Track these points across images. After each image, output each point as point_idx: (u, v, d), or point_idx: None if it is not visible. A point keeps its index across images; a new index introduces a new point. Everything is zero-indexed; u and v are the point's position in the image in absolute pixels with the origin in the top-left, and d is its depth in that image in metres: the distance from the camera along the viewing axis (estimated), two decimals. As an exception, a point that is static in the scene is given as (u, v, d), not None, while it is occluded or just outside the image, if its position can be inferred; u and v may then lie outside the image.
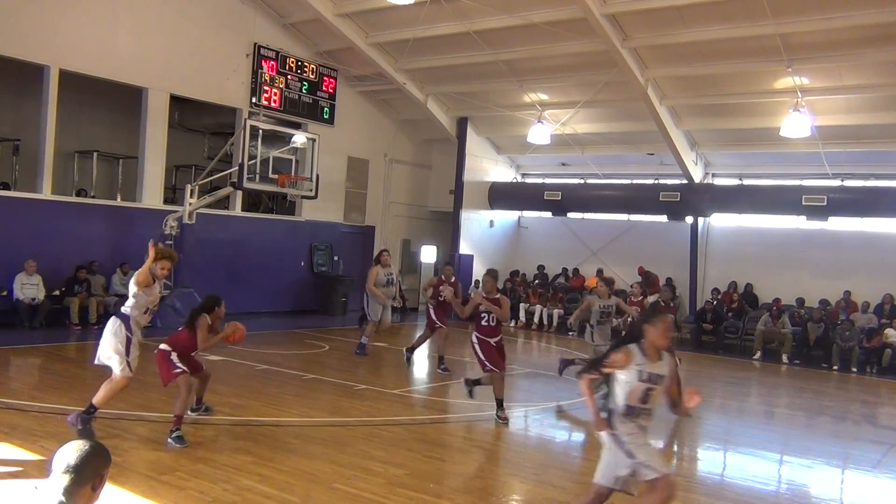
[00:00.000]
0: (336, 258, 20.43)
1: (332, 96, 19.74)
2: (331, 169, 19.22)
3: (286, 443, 7.30)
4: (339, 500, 5.74)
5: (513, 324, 20.05)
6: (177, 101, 17.25)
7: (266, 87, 18.01)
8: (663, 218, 20.34)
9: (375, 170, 21.76)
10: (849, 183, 17.95)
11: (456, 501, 5.95)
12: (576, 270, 21.66)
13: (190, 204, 15.29)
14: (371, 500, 5.74)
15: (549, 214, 22.04)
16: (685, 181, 19.32)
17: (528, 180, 23.41)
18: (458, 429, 8.61)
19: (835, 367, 15.89)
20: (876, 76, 15.07)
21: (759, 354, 16.81)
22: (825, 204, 17.26)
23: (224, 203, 17.79)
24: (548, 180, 22.64)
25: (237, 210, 18.33)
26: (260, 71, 17.85)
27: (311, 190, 16.41)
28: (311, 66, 19.09)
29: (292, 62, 18.65)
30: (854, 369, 15.72)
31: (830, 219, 17.84)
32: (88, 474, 2.48)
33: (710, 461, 8.57)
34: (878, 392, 14.25)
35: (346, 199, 20.94)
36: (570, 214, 21.73)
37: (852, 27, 13.60)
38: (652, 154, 19.96)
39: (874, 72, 15.02)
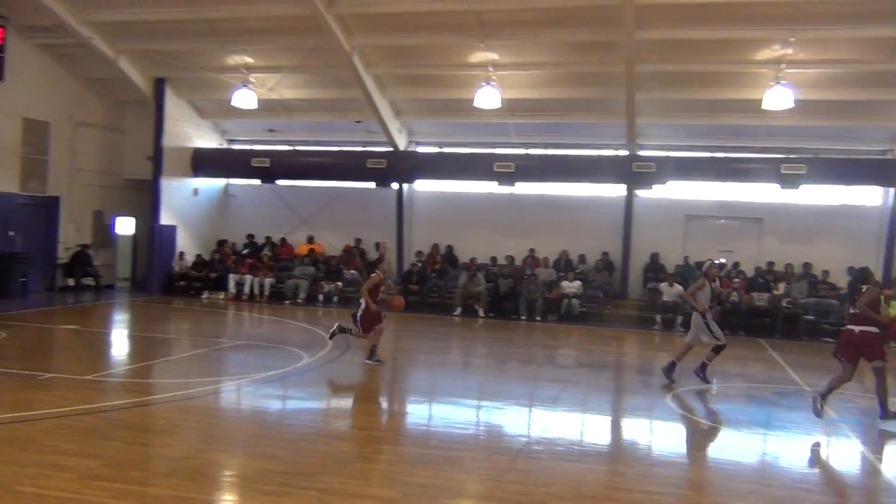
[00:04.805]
0: (11, 233, 18.01)
1: (1, 48, 17.18)
2: (2, 131, 16.87)
3: (-48, 447, 6.34)
4: (23, 503, 5.13)
5: (221, 295, 19.42)
6: None
7: None
8: (371, 185, 20.88)
9: (58, 133, 19.40)
10: (532, 151, 19.93)
11: (163, 486, 5.63)
12: (283, 240, 21.47)
13: None
14: (61, 499, 5.22)
15: (257, 182, 21.48)
16: (391, 149, 20.02)
17: (235, 146, 22.58)
18: (164, 410, 8.13)
19: (523, 318, 17.77)
20: (552, 55, 16.82)
21: (458, 311, 18.18)
22: (513, 170, 18.98)
23: None
24: (255, 147, 22.01)
25: None
26: None
27: (-25, 155, 14.26)
28: (-30, 10, 16.42)
29: (-56, 4, 15.89)
30: (538, 318, 17.75)
31: (518, 184, 19.68)
32: None
33: (416, 413, 9.09)
34: (558, 337, 16.19)
35: (22, 166, 18.45)
36: (280, 182, 21.42)
37: (535, 9, 15.02)
38: (359, 122, 20.30)
39: (550, 50, 16.75)
